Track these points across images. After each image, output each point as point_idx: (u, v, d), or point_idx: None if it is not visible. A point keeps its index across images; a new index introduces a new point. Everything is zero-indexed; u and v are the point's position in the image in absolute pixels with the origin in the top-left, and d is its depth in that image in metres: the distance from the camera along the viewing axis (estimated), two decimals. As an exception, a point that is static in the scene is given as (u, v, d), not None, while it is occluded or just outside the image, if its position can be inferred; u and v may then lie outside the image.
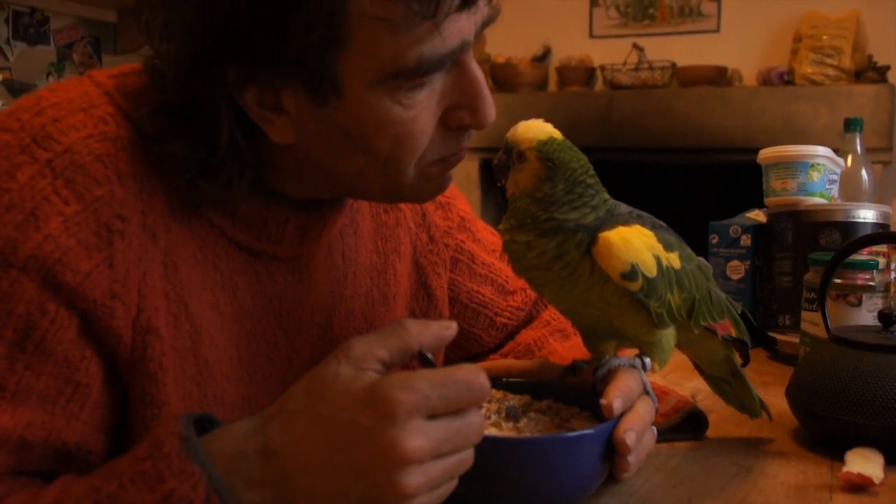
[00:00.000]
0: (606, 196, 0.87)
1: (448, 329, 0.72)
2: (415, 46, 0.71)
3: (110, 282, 0.73)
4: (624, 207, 0.88)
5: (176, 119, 0.76)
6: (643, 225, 0.86)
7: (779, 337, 1.48)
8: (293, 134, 0.77)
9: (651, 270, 0.84)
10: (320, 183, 0.84)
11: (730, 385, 1.02)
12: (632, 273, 0.83)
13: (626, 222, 0.85)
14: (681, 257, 0.88)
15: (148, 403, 0.76)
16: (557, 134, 0.85)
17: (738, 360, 1.00)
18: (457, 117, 0.79)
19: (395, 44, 0.70)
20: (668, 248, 0.87)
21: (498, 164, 0.87)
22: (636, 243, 0.84)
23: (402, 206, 1.04)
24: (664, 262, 0.86)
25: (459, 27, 0.73)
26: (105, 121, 0.77)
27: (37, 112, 0.76)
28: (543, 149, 0.84)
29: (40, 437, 0.71)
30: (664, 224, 0.90)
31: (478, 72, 0.79)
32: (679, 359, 1.04)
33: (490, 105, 0.79)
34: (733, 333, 0.96)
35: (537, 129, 0.85)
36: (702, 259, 0.94)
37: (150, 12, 0.76)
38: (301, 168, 0.82)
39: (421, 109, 0.76)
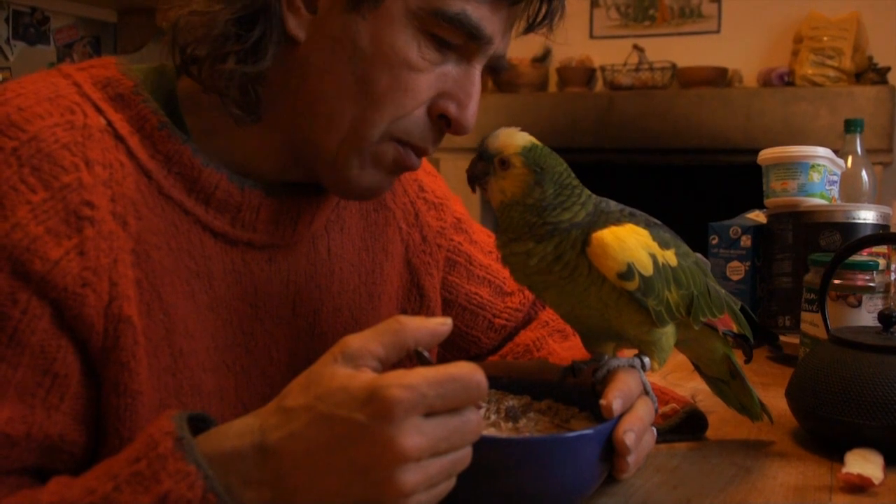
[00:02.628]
0: (589, 192, 0.87)
1: (444, 325, 0.72)
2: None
3: (81, 269, 0.73)
4: (614, 205, 0.88)
5: None
6: (636, 223, 0.86)
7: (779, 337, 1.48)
8: (306, 34, 0.81)
9: (647, 269, 0.84)
10: (288, 123, 0.85)
11: (729, 386, 1.02)
12: (628, 272, 0.83)
13: (617, 221, 0.85)
14: (677, 254, 0.88)
15: (121, 393, 0.76)
16: (536, 140, 0.85)
17: (738, 359, 1.00)
18: (443, 106, 0.84)
19: None
20: (663, 245, 0.87)
21: (473, 172, 0.86)
22: (631, 242, 0.83)
23: (392, 205, 1.04)
24: (660, 260, 0.85)
25: (490, 21, 0.82)
26: (72, 110, 0.77)
27: (2, 102, 0.76)
28: (529, 155, 0.83)
29: (22, 432, 0.71)
30: (658, 221, 0.90)
31: (478, 80, 0.85)
32: (678, 359, 1.04)
33: (474, 111, 0.85)
34: (734, 329, 0.96)
35: (519, 137, 0.84)
36: (699, 255, 0.94)
37: None
38: (283, 95, 0.83)
39: (428, 69, 0.81)
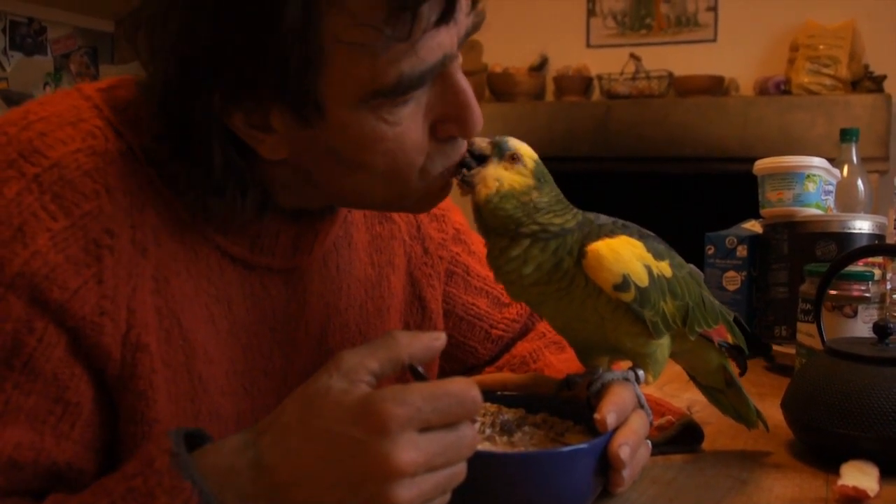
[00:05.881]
0: (578, 211, 0.87)
1: (437, 340, 0.72)
2: (393, 66, 0.71)
3: (99, 298, 0.73)
4: (605, 218, 0.88)
5: (172, 140, 0.76)
6: (630, 235, 0.86)
7: (775, 348, 1.48)
8: (285, 150, 0.77)
9: (643, 280, 0.84)
10: (319, 194, 0.84)
11: (725, 395, 1.02)
12: (623, 284, 0.83)
13: (611, 233, 0.85)
14: (671, 265, 0.88)
15: (138, 421, 0.76)
16: None
17: (734, 369, 1.00)
18: (445, 129, 0.79)
19: (373, 65, 0.70)
20: (657, 256, 0.87)
21: (478, 149, 0.83)
22: (625, 254, 0.84)
23: (397, 218, 1.04)
24: (655, 271, 0.86)
25: (439, 42, 0.72)
26: (93, 135, 0.76)
27: (24, 126, 0.76)
28: (539, 166, 0.84)
29: (30, 458, 0.71)
30: (651, 233, 0.90)
31: (464, 83, 0.78)
32: (674, 370, 1.04)
33: (478, 116, 0.79)
34: (729, 340, 0.96)
35: (532, 151, 0.85)
36: (692, 266, 0.94)
37: (139, 34, 0.76)
38: (298, 181, 0.82)
39: (408, 125, 0.76)
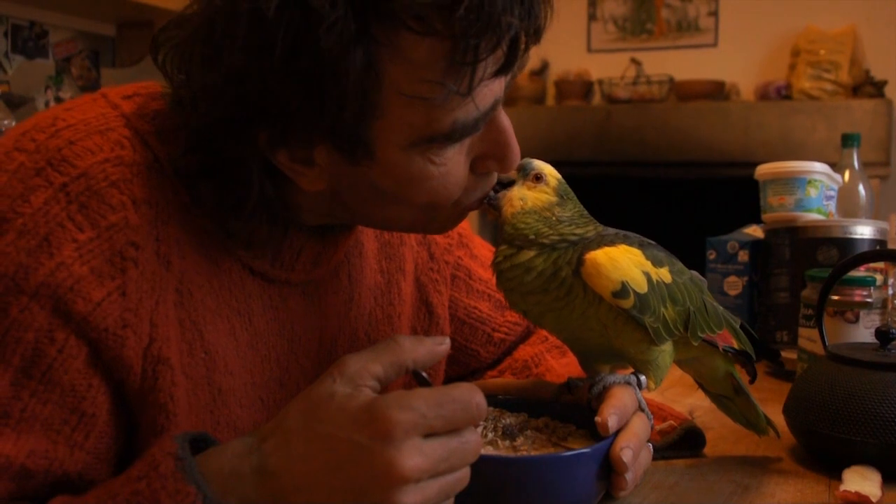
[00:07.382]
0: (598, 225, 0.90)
1: (441, 345, 0.72)
2: (449, 115, 0.72)
3: (122, 311, 0.73)
4: (609, 230, 0.90)
5: (206, 167, 0.76)
6: (629, 244, 0.87)
7: (776, 353, 1.48)
8: (325, 183, 0.77)
9: (641, 286, 0.85)
10: (346, 217, 0.85)
11: (734, 402, 1.02)
12: (622, 291, 0.83)
13: (611, 242, 0.86)
14: (671, 272, 0.89)
15: (158, 433, 0.76)
16: None
17: (743, 377, 1.00)
18: (485, 165, 0.81)
19: (429, 114, 0.72)
20: (656, 263, 0.87)
21: (504, 178, 0.87)
22: (623, 261, 0.84)
23: None
24: (654, 278, 0.86)
25: (492, 89, 0.74)
26: (121, 145, 0.76)
27: (52, 133, 0.75)
28: (561, 185, 0.87)
29: (42, 467, 0.71)
30: (652, 241, 0.91)
31: (506, 123, 0.80)
32: (675, 375, 1.04)
33: (517, 154, 0.81)
34: (735, 345, 0.96)
35: (555, 171, 0.88)
36: (695, 272, 0.94)
37: (173, 55, 0.75)
38: (328, 206, 0.82)
39: (453, 164, 0.77)
